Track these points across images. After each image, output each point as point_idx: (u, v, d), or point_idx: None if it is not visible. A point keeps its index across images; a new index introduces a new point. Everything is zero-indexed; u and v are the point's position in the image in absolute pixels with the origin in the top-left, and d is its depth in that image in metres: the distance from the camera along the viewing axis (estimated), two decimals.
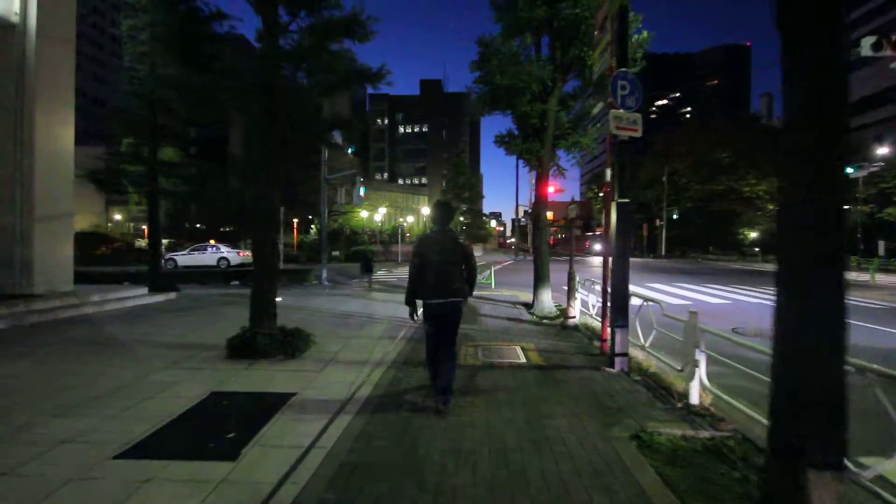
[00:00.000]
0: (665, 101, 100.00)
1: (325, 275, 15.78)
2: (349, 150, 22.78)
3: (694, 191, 40.62)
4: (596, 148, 9.38)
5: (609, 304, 4.95)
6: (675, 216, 42.30)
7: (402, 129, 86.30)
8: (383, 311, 9.04)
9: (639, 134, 4.48)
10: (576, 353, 5.56)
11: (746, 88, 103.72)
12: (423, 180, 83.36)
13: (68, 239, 9.27)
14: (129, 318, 7.80)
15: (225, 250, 23.43)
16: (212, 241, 26.72)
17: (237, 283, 15.40)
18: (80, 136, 9.88)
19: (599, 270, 5.68)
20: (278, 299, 10.82)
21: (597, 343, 5.85)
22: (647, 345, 4.83)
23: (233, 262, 22.55)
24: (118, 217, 46.85)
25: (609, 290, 5.41)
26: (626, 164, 4.75)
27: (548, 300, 9.13)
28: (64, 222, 9.14)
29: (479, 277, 15.07)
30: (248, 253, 12.92)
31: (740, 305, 10.75)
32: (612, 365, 4.79)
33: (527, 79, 8.07)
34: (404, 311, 8.94)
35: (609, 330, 5.01)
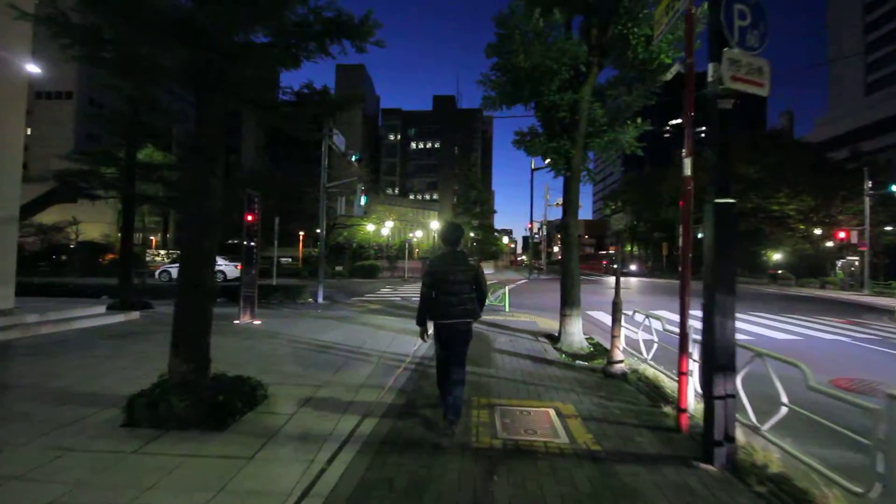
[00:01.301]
0: (680, 121, 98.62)
1: (320, 292, 14.17)
2: (353, 158, 21.42)
3: None
4: (639, 148, 7.72)
5: (702, 359, 3.22)
6: (699, 235, 40.01)
7: (414, 145, 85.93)
8: (375, 341, 7.35)
9: (766, 91, 2.82)
10: (638, 425, 3.80)
11: (763, 107, 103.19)
12: (434, 196, 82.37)
13: (10, 248, 7.85)
14: (52, 348, 6.25)
15: (222, 263, 22.11)
16: None
17: (224, 299, 13.88)
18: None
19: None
20: (256, 322, 9.30)
21: (669, 410, 4.07)
22: (764, 427, 3.07)
23: (230, 276, 21.40)
24: None
25: (687, 332, 3.70)
26: (731, 142, 3.06)
27: (578, 332, 7.37)
28: (5, 229, 7.76)
29: (493, 298, 13.78)
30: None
31: (815, 343, 8.77)
32: (709, 458, 3.03)
33: (557, 57, 6.51)
34: (401, 342, 7.41)
35: (702, 399, 3.27)
